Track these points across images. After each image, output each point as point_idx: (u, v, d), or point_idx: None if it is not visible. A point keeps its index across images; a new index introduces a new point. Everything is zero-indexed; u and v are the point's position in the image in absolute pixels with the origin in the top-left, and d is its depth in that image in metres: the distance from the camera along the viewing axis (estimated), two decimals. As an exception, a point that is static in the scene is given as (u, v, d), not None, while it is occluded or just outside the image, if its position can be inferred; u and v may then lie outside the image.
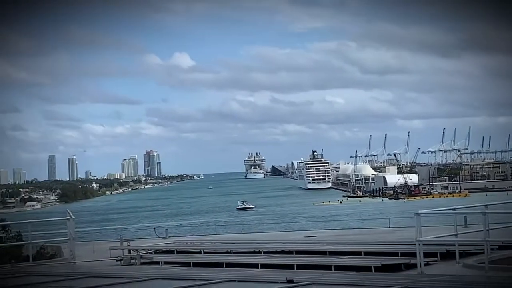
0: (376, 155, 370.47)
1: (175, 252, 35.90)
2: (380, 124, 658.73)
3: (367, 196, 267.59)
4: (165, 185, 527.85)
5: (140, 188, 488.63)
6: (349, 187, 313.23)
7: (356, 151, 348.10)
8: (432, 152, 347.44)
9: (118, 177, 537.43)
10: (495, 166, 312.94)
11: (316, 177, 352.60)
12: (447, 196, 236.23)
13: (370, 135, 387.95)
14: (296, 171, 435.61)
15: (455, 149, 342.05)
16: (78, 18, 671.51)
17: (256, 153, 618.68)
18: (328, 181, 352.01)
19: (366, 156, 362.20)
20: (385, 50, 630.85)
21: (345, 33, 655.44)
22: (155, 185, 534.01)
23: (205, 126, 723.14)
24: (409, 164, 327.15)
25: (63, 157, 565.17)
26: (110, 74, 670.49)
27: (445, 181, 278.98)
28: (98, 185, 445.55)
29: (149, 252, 35.89)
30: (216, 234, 55.97)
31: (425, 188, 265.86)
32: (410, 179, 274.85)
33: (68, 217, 31.08)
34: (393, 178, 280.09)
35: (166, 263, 31.28)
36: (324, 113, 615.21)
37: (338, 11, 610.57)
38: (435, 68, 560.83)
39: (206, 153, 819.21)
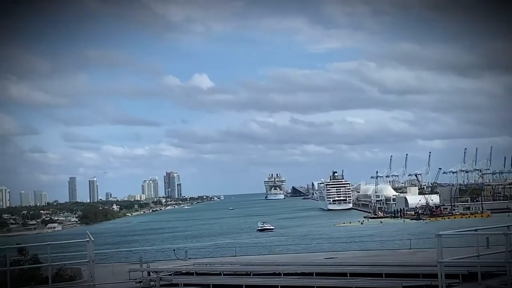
0: (397, 176, 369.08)
1: (194, 274, 35.74)
2: (401, 144, 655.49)
3: (388, 217, 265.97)
4: (185, 207, 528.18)
5: (160, 209, 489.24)
6: (370, 208, 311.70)
7: (377, 172, 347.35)
8: (453, 173, 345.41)
9: (139, 199, 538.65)
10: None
11: (336, 198, 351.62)
12: (469, 217, 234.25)
13: (391, 156, 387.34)
14: (317, 192, 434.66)
15: (477, 170, 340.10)
16: (97, 40, 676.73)
17: (277, 174, 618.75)
18: (349, 202, 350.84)
19: (387, 176, 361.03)
20: (405, 70, 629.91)
21: (364, 53, 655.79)
22: (175, 206, 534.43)
23: (225, 147, 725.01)
24: (430, 185, 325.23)
25: (84, 179, 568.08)
26: (129, 96, 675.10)
27: (467, 202, 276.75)
28: (118, 206, 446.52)
29: (169, 274, 35.74)
30: (236, 256, 55.74)
31: (446, 208, 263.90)
32: (432, 200, 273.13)
33: (88, 239, 31.01)
34: (414, 199, 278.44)
35: (186, 285, 31.13)
36: (344, 133, 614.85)
37: (356, 32, 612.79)
38: (456, 88, 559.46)
39: (226, 174, 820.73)
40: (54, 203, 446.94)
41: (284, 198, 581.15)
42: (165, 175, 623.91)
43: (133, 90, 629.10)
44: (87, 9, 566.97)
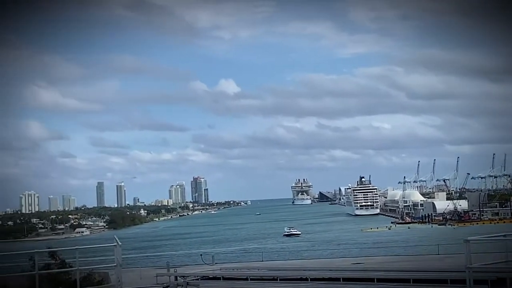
0: (424, 181, 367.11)
1: (221, 278, 35.75)
2: (428, 149, 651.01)
3: (416, 222, 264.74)
4: (212, 212, 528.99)
5: (188, 214, 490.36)
6: (398, 213, 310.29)
7: (405, 177, 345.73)
8: (482, 178, 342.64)
9: (166, 204, 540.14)
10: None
11: (364, 203, 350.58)
12: (497, 222, 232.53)
13: (419, 161, 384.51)
14: (344, 197, 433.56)
15: (506, 175, 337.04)
16: (126, 47, 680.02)
17: (303, 179, 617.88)
18: (376, 207, 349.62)
19: (414, 182, 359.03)
20: (432, 75, 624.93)
21: (391, 59, 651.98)
22: (203, 211, 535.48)
23: (252, 152, 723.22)
24: (458, 190, 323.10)
25: (111, 184, 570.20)
26: (157, 101, 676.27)
27: (496, 207, 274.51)
28: (146, 211, 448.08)
29: (196, 279, 35.79)
30: (262, 261, 55.71)
31: (475, 214, 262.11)
32: (460, 205, 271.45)
33: (115, 244, 31.15)
34: (442, 204, 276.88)
35: (213, 289, 31.16)
36: (371, 138, 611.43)
37: (383, 37, 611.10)
38: (483, 93, 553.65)
39: (253, 179, 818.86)
40: (82, 208, 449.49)
41: (311, 203, 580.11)
42: (192, 180, 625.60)
43: (161, 96, 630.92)
44: (116, 16, 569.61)
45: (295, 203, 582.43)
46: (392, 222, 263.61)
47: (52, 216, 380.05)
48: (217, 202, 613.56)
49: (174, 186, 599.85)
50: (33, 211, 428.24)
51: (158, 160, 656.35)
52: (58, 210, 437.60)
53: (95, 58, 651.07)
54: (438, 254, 48.44)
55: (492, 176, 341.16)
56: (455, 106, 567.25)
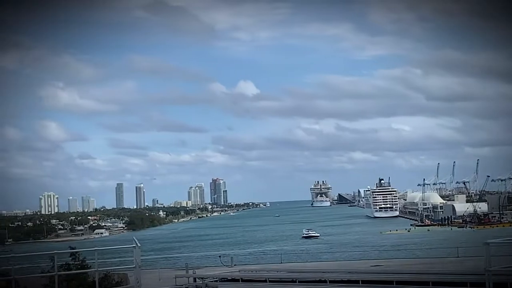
0: (444, 183, 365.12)
1: (240, 280, 35.73)
2: (448, 151, 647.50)
3: (435, 224, 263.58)
4: (231, 213, 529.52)
5: (207, 216, 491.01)
6: (417, 215, 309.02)
7: (424, 179, 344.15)
8: (502, 180, 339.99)
9: (185, 205, 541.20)
10: None
11: (383, 206, 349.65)
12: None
13: (438, 163, 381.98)
14: (363, 199, 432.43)
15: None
16: (144, 48, 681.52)
17: (322, 181, 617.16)
18: (396, 210, 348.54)
19: (434, 184, 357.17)
20: (450, 76, 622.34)
21: (410, 60, 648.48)
22: (222, 213, 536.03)
23: (271, 154, 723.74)
24: (478, 193, 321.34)
25: (130, 185, 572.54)
26: (175, 103, 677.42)
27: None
28: (164, 213, 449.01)
29: (214, 281, 35.81)
30: (281, 263, 55.72)
31: (495, 216, 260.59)
32: (480, 208, 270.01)
33: (134, 245, 31.23)
34: (462, 207, 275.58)
35: (231, 291, 31.16)
36: (390, 140, 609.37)
37: (402, 39, 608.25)
38: (502, 94, 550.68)
39: (272, 181, 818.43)
40: (101, 209, 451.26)
41: (330, 205, 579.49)
42: (211, 181, 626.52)
43: (179, 97, 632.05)
44: (134, 18, 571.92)
45: (314, 205, 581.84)
46: (411, 225, 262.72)
47: (71, 217, 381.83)
48: (236, 204, 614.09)
49: (193, 188, 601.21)
50: (53, 212, 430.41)
51: (177, 162, 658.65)
52: (77, 211, 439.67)
53: (112, 59, 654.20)
54: (458, 257, 48.25)
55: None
56: (474, 108, 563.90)
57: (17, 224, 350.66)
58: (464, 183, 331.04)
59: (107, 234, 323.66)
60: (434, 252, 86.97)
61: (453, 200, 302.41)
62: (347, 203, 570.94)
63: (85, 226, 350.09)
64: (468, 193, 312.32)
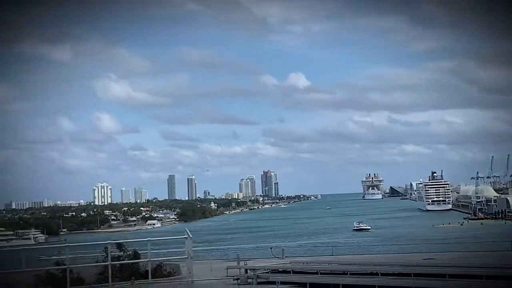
0: (498, 177, 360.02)
1: (291, 272, 35.79)
2: (502, 144, 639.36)
3: (488, 218, 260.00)
4: (282, 205, 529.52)
5: (258, 208, 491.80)
6: (470, 209, 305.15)
7: (478, 173, 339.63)
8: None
9: (236, 197, 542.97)
10: None
11: (435, 199, 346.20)
12: None
13: (492, 156, 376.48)
14: (415, 192, 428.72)
15: None
16: (196, 41, 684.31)
17: (374, 174, 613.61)
18: (448, 203, 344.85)
19: (487, 177, 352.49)
20: (505, 69, 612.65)
21: (464, 53, 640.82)
22: (273, 205, 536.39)
23: (322, 147, 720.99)
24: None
25: (182, 177, 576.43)
26: (227, 96, 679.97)
27: None
28: (216, 204, 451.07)
29: (266, 272, 35.91)
30: (332, 255, 55.52)
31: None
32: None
33: (186, 236, 31.47)
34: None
35: (283, 283, 31.22)
36: (442, 133, 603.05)
37: (455, 31, 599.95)
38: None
39: (323, 174, 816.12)
40: (154, 200, 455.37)
41: (382, 198, 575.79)
42: (262, 173, 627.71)
43: (231, 90, 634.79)
44: (187, 11, 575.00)
45: (365, 198, 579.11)
46: (464, 218, 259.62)
47: (124, 208, 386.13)
48: (287, 196, 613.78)
49: (244, 180, 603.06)
50: (106, 203, 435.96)
51: (228, 154, 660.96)
52: (130, 202, 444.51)
53: (164, 52, 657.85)
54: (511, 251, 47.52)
55: None
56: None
57: (71, 215, 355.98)
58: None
59: (159, 225, 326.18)
60: (487, 246, 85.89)
61: (507, 194, 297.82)
62: (399, 196, 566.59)
63: (138, 217, 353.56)
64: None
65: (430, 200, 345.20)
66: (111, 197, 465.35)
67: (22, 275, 28.45)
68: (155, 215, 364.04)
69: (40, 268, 38.36)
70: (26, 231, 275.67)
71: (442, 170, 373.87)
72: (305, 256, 61.54)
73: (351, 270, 34.05)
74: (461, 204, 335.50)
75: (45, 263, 48.75)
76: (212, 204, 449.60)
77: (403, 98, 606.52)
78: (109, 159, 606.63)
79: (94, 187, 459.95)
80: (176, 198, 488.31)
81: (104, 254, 35.76)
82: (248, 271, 36.26)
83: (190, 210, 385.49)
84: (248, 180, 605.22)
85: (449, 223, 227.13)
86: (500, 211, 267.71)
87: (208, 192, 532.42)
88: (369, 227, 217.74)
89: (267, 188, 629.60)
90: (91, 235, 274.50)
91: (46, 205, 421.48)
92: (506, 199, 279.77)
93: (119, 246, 38.55)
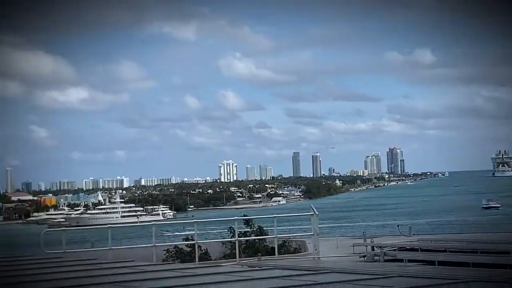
0: None
1: (419, 250, 35.18)
2: None
3: None
4: (409, 183, 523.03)
5: (383, 185, 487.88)
6: None
7: None
8: None
9: (361, 174, 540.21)
10: None
11: None
12: None
13: None
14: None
15: None
16: (319, 16, 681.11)
17: (504, 151, 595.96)
18: None
19: None
20: None
21: None
22: (399, 182, 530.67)
23: (449, 123, 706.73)
24: None
25: (307, 154, 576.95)
26: (350, 72, 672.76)
27: None
28: (341, 181, 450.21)
29: (393, 250, 35.45)
30: (460, 233, 54.33)
31: None
32: None
33: (312, 213, 31.40)
34: None
35: (410, 261, 30.69)
36: None
37: None
38: None
39: (450, 151, 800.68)
40: (278, 177, 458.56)
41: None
42: (388, 151, 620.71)
43: (355, 66, 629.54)
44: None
45: (495, 175, 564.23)
46: None
47: (249, 185, 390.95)
48: (414, 173, 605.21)
49: (370, 157, 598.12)
50: (231, 180, 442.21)
51: (353, 131, 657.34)
52: (255, 179, 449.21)
53: (287, 29, 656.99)
54: None
55: None
56: None
57: (198, 191, 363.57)
58: None
59: (284, 202, 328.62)
60: None
61: None
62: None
63: (263, 194, 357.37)
64: None
65: None
66: (236, 174, 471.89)
67: (151, 250, 29.15)
68: (280, 192, 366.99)
69: (169, 243, 39.27)
70: (155, 207, 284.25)
71: None
72: (433, 234, 60.41)
73: (481, 248, 33.07)
74: None
75: (172, 238, 50.02)
76: (337, 181, 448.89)
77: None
78: (234, 137, 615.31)
79: (220, 164, 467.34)
80: (301, 175, 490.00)
81: (230, 230, 36.20)
82: (375, 248, 35.87)
83: (315, 187, 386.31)
84: (373, 157, 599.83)
85: None
86: None
87: (333, 169, 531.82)
88: (499, 205, 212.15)
89: (392, 165, 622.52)
90: (217, 211, 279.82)
91: (173, 182, 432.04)
92: None
93: (247, 222, 38.91)
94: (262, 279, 15.98)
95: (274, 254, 31.08)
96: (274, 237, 32.29)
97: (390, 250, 34.90)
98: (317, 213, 31.38)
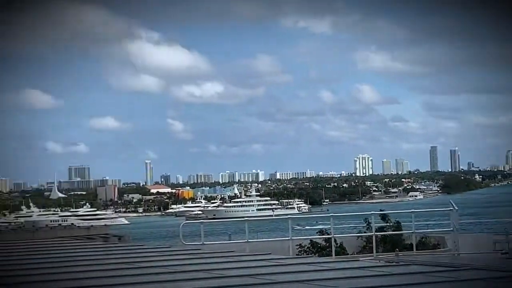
0: None
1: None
2: None
3: None
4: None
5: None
6: None
7: None
8: None
9: (502, 169, 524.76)
10: None
11: None
12: None
13: None
14: None
15: None
16: (453, 7, 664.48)
17: None
18: None
19: None
20: None
21: None
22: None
23: None
24: None
25: (444, 149, 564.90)
26: (485, 64, 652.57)
27: None
28: (480, 176, 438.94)
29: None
30: None
31: None
32: None
33: (452, 208, 30.73)
34: None
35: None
36: None
37: None
38: None
39: None
40: (415, 172, 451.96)
41: None
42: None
43: (494, 57, 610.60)
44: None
45: None
46: None
47: (385, 180, 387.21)
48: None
49: (511, 151, 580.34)
50: (367, 174, 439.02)
51: (493, 124, 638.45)
52: (391, 174, 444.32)
53: (423, 20, 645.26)
54: None
55: None
56: None
57: (333, 185, 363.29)
58: None
59: (421, 197, 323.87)
60: None
61: None
62: None
63: (399, 188, 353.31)
64: None
65: None
66: (372, 168, 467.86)
67: (287, 243, 29.38)
68: (417, 187, 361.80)
69: (305, 237, 39.31)
70: (290, 200, 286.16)
71: None
72: None
73: None
74: None
75: (305, 232, 50.15)
76: (477, 176, 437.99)
77: None
78: (369, 130, 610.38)
79: (355, 158, 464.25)
80: (439, 170, 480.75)
81: (366, 225, 35.89)
82: (517, 245, 34.59)
83: (453, 182, 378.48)
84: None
85: None
86: None
87: (472, 164, 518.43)
88: None
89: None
90: (353, 205, 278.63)
91: (308, 176, 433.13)
92: None
93: (383, 217, 38.47)
94: (401, 274, 15.73)
95: (412, 250, 30.60)
96: (412, 232, 31.80)
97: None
98: (456, 208, 30.67)
